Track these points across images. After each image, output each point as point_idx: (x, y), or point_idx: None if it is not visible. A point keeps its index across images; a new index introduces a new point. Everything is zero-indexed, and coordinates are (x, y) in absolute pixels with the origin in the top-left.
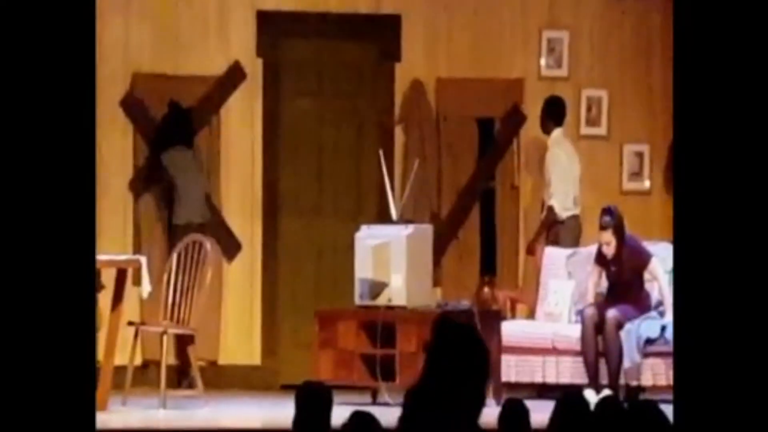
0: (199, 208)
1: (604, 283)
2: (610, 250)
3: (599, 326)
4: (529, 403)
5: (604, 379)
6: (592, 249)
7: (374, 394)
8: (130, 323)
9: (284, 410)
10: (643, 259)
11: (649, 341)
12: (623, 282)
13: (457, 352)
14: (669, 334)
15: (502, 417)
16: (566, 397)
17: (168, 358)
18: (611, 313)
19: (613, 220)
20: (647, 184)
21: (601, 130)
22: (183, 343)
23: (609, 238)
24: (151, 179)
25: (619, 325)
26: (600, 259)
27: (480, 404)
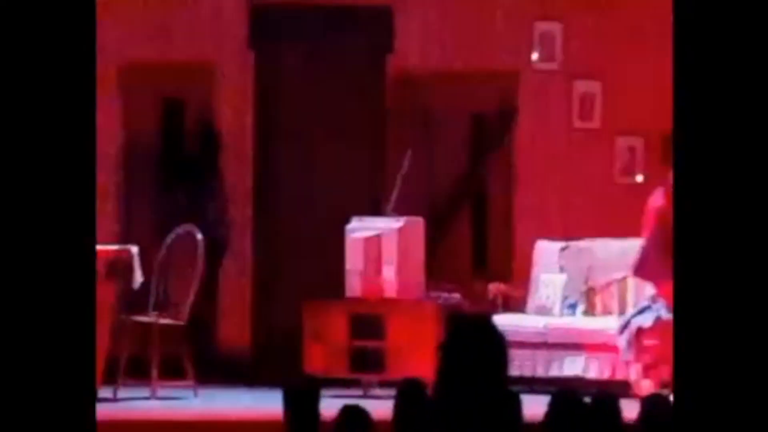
0: None
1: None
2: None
3: None
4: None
5: None
6: (583, 243)
7: (364, 386)
8: (122, 314)
9: (273, 402)
10: None
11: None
12: None
13: (472, 347)
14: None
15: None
16: (560, 393)
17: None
18: None
19: None
20: (640, 177)
21: (594, 123)
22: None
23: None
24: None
25: None
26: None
27: (502, 395)
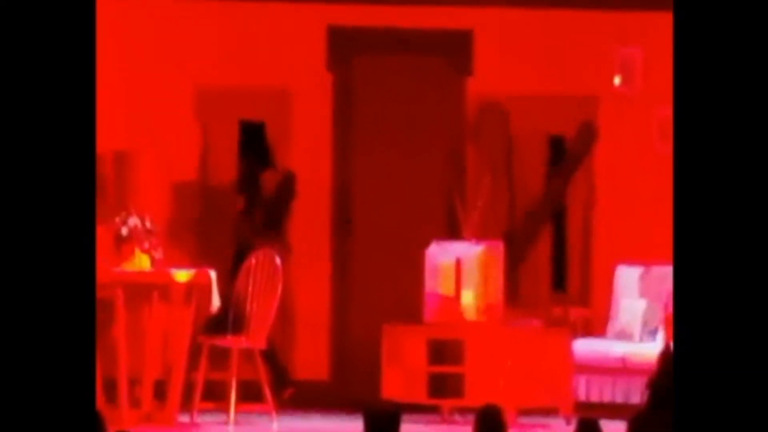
0: None
1: None
2: None
3: None
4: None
5: None
6: (663, 268)
7: (442, 412)
8: (200, 338)
9: (353, 427)
10: None
11: None
12: None
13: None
14: None
15: None
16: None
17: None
18: None
19: None
20: None
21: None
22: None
23: None
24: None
25: None
26: None
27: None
